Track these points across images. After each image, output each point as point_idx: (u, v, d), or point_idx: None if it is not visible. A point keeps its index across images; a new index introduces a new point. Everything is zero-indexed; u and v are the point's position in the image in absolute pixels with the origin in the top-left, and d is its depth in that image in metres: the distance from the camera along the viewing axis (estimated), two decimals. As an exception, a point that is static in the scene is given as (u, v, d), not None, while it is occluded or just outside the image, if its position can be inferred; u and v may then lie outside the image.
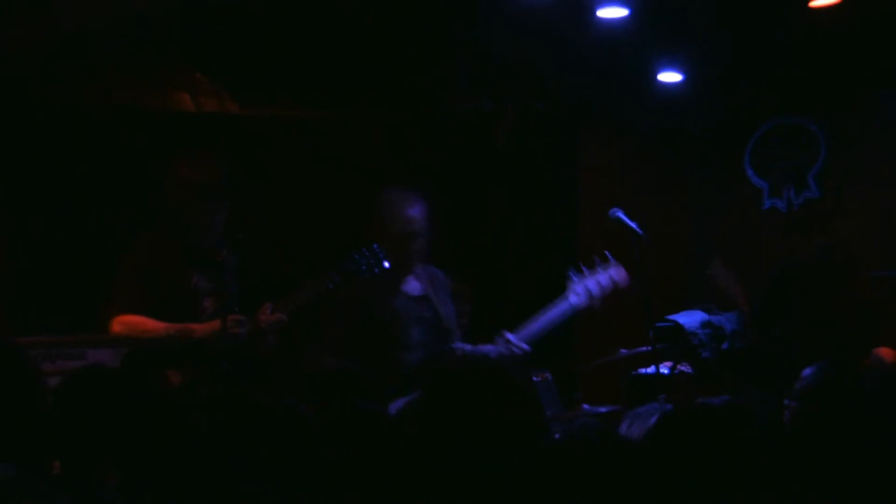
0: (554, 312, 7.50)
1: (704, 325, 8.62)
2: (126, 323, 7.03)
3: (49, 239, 8.78)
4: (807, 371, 5.56)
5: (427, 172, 9.14)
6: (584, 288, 7.54)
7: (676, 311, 9.03)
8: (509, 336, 7.42)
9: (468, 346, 7.62)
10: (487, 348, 7.52)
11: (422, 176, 8.27)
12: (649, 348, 8.15)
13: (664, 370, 8.25)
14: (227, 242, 7.22)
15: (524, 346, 7.42)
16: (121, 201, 8.68)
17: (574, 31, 8.80)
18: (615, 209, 7.72)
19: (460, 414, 4.22)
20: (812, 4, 8.67)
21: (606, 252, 7.64)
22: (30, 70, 8.54)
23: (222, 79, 9.44)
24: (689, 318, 8.71)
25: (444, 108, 9.90)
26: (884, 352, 7.88)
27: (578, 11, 8.51)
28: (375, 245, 7.24)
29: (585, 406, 8.07)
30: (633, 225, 7.60)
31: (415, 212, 7.45)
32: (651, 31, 8.82)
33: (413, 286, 7.59)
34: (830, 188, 9.69)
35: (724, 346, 8.61)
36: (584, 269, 7.59)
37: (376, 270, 7.22)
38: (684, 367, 8.35)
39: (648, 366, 8.41)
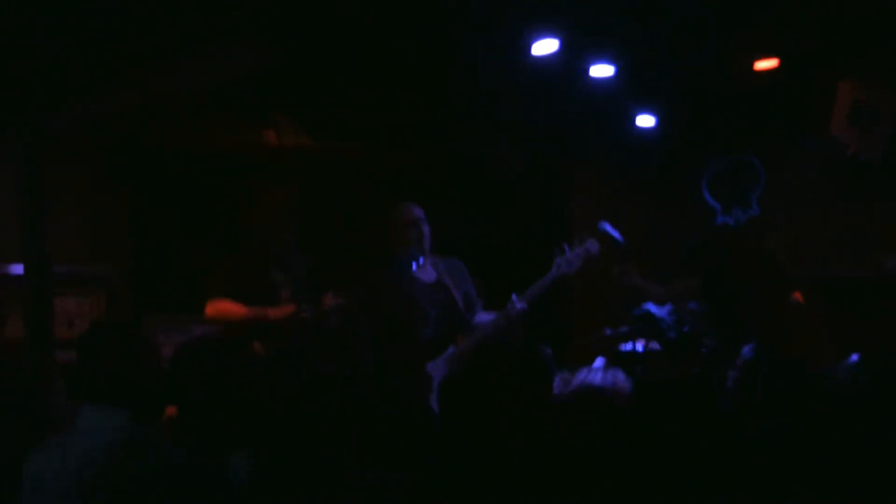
0: (542, 281, 7.54)
1: (670, 312, 8.61)
2: (216, 307, 7.20)
3: (169, 244, 8.98)
4: (745, 349, 5.64)
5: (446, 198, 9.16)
6: (563, 260, 7.58)
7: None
8: (514, 298, 7.48)
9: (488, 315, 7.69)
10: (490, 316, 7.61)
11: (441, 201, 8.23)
12: (627, 329, 8.29)
13: (639, 347, 8.29)
14: (298, 246, 7.40)
15: (522, 304, 7.44)
16: (222, 216, 8.79)
17: (570, 85, 8.83)
18: (603, 222, 7.80)
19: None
20: (756, 67, 8.78)
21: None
22: (155, 120, 8.72)
23: (299, 118, 9.54)
24: (658, 307, 8.69)
25: (462, 151, 9.95)
26: (797, 295, 7.87)
27: (574, 70, 8.56)
28: (413, 247, 7.33)
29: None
30: (616, 235, 7.70)
31: (411, 209, 7.59)
32: (631, 85, 8.87)
33: (428, 275, 7.64)
34: (766, 207, 9.71)
35: (685, 329, 8.61)
36: (566, 248, 7.64)
37: (414, 266, 7.30)
38: (654, 345, 8.33)
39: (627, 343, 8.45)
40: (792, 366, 5.31)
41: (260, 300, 7.21)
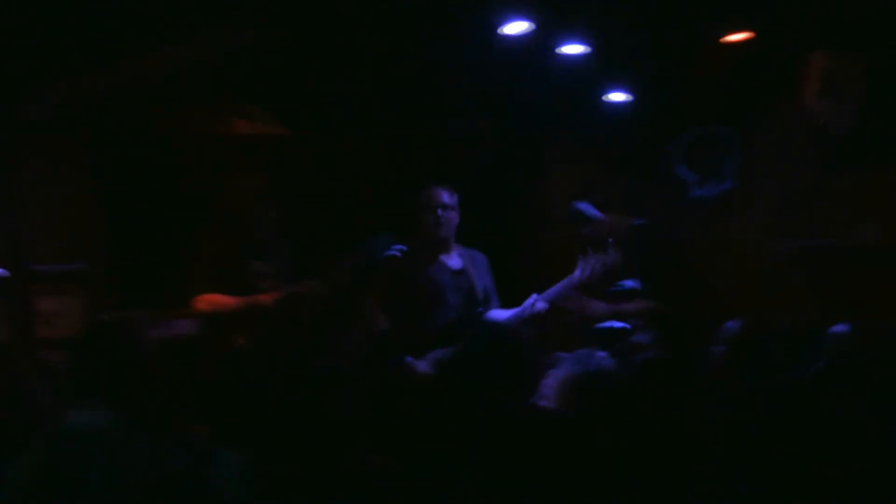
0: (566, 282, 7.55)
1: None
2: (208, 300, 7.16)
3: (145, 237, 8.92)
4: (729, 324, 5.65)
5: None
6: (587, 264, 7.58)
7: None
8: (535, 297, 7.53)
9: (504, 311, 7.72)
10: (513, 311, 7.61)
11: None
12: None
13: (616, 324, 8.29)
14: (277, 235, 7.38)
15: (542, 304, 7.49)
16: (196, 207, 8.74)
17: (541, 64, 8.82)
18: (578, 202, 7.81)
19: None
20: (729, 40, 8.81)
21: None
22: (131, 106, 8.67)
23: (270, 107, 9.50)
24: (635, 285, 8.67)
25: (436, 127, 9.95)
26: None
27: (546, 48, 8.55)
28: (388, 234, 7.32)
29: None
30: (595, 213, 7.71)
31: (438, 194, 7.64)
32: (601, 63, 8.88)
33: (454, 262, 7.67)
34: (741, 179, 9.74)
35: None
36: (588, 252, 7.65)
37: (388, 253, 7.29)
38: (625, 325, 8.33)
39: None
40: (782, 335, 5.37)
41: (242, 291, 7.19)
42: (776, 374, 5.24)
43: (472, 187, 10.04)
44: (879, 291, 9.00)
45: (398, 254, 7.32)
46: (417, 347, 7.31)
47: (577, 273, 7.59)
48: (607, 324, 8.34)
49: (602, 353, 5.32)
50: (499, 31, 8.26)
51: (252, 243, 7.38)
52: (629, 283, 8.45)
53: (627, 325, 8.28)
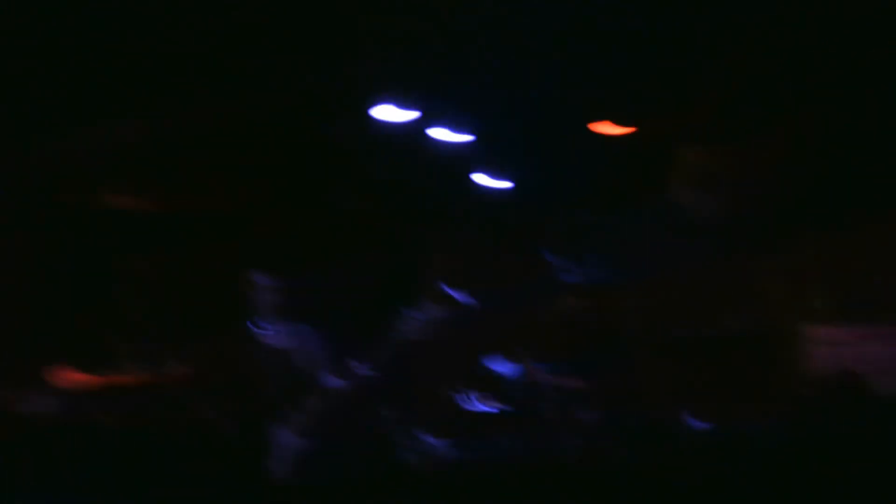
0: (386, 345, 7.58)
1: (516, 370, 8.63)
2: (66, 376, 7.13)
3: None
4: None
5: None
6: (407, 324, 7.62)
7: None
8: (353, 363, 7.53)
9: None
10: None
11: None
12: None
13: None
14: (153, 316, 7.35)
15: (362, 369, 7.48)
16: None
17: (424, 149, 8.94)
18: (446, 286, 7.87)
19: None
20: (600, 132, 9.00)
21: None
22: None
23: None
24: (504, 365, 8.69)
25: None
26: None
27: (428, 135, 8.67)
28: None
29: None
30: (463, 298, 7.78)
31: (257, 277, 7.67)
32: (478, 151, 9.01)
33: (279, 339, 7.65)
34: (610, 269, 9.84)
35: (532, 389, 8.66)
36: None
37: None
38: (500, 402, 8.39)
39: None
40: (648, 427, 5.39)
41: (106, 369, 7.15)
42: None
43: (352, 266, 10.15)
44: (742, 383, 9.17)
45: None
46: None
47: (398, 333, 7.62)
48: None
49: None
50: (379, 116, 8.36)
51: (124, 322, 7.34)
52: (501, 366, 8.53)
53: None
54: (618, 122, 8.99)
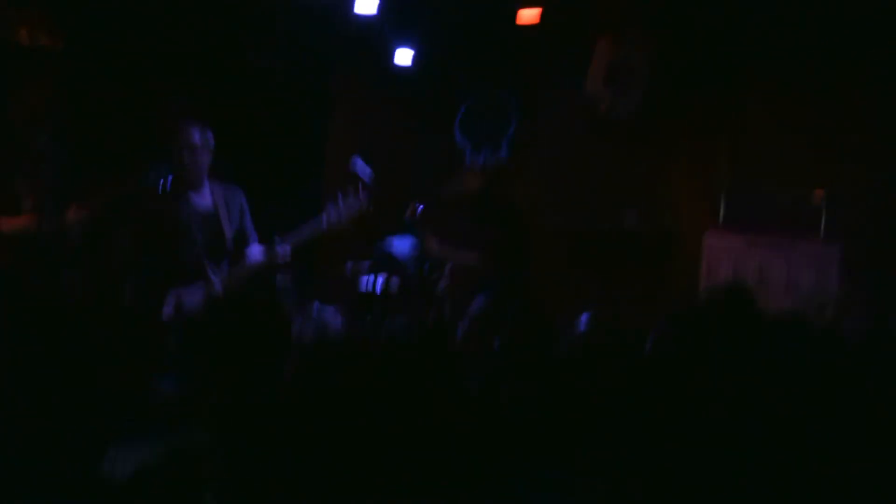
0: (309, 226, 7.55)
1: (412, 248, 8.65)
2: None
3: None
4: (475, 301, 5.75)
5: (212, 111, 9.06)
6: (335, 210, 7.59)
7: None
8: (278, 240, 7.44)
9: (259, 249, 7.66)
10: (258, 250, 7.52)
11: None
12: (368, 263, 8.36)
13: (378, 285, 8.35)
14: (50, 153, 7.20)
15: (287, 251, 7.48)
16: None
17: (336, 13, 8.85)
18: (356, 157, 7.82)
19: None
20: (519, 22, 8.94)
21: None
22: None
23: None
24: (400, 243, 8.72)
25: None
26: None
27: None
28: (162, 165, 7.22)
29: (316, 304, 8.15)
30: (366, 171, 7.72)
31: (190, 133, 7.35)
32: (393, 23, 8.94)
33: (204, 200, 7.49)
34: (517, 152, 9.88)
35: (425, 266, 8.70)
36: (338, 197, 7.67)
37: (161, 183, 7.16)
38: (394, 280, 8.41)
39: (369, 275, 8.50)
40: (532, 320, 5.39)
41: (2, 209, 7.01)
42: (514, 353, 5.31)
43: (261, 122, 10.09)
44: (633, 276, 9.29)
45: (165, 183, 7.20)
46: (162, 283, 7.26)
47: (323, 216, 7.58)
48: (368, 279, 8.43)
49: (330, 309, 5.30)
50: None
51: (21, 161, 7.18)
52: (398, 243, 8.54)
53: (394, 281, 8.36)
54: (533, 4, 8.93)
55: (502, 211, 8.43)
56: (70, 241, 7.09)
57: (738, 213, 9.03)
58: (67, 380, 4.25)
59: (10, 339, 4.33)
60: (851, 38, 8.56)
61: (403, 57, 9.55)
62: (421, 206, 7.91)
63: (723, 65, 9.07)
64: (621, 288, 9.16)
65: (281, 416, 4.14)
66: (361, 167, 7.78)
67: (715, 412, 4.42)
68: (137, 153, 7.81)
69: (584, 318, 5.26)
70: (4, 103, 7.38)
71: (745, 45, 8.97)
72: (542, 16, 8.95)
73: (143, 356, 4.76)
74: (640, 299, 8.90)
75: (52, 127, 7.32)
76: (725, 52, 9.02)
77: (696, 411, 4.44)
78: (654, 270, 9.26)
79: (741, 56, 9.03)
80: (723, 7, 8.72)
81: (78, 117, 8.47)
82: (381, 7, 8.64)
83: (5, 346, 4.29)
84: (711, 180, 9.19)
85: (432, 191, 8.68)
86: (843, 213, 8.72)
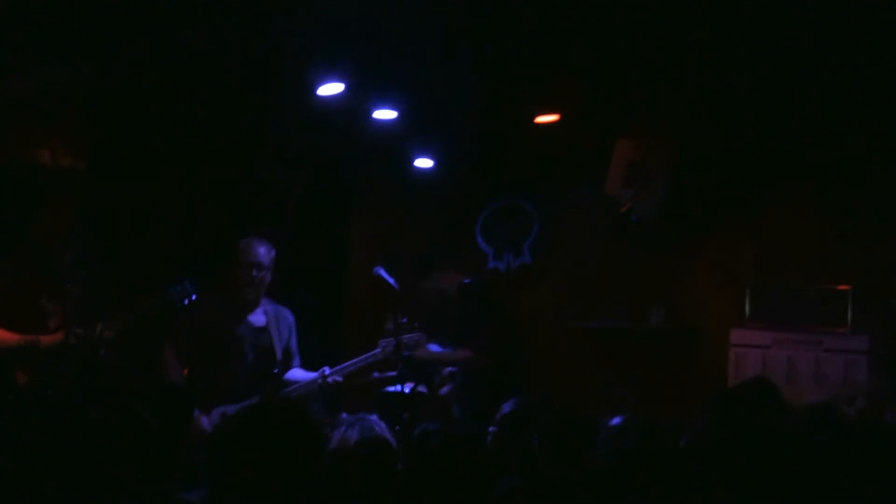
0: (363, 358, 7.61)
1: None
2: None
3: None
4: (506, 405, 5.71)
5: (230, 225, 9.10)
6: (387, 343, 7.63)
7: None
8: (326, 369, 7.56)
9: (304, 374, 7.74)
10: (311, 376, 7.62)
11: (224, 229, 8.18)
12: (395, 373, 8.33)
13: (406, 389, 8.33)
14: (73, 272, 7.23)
15: (338, 378, 7.53)
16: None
17: (354, 125, 8.89)
18: (378, 267, 7.83)
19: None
20: (536, 121, 8.95)
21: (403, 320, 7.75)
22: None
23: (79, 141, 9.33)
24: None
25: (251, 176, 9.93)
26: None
27: (358, 111, 8.62)
28: (188, 282, 7.26)
29: (344, 414, 8.12)
30: (390, 281, 7.73)
31: (255, 251, 7.50)
32: (412, 129, 8.97)
33: (258, 318, 7.60)
34: (539, 256, 9.88)
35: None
36: (391, 328, 7.72)
37: (186, 301, 7.20)
38: (422, 388, 8.38)
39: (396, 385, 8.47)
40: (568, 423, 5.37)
41: (27, 327, 7.04)
42: (545, 459, 5.30)
43: (284, 240, 10.11)
44: (664, 376, 9.23)
45: (190, 300, 7.24)
46: (210, 400, 7.29)
47: (377, 351, 7.67)
48: (397, 388, 8.40)
49: (373, 417, 5.33)
50: (315, 91, 8.27)
51: (45, 281, 7.23)
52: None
53: (421, 389, 8.34)
54: (550, 109, 8.95)
55: (487, 305, 8.51)
56: (97, 358, 7.11)
57: (765, 308, 8.98)
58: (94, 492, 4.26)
59: (38, 456, 4.34)
60: (875, 132, 8.56)
61: (423, 162, 9.57)
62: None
63: (744, 161, 9.08)
64: (649, 386, 9.13)
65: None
66: (385, 275, 7.79)
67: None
68: (161, 270, 7.83)
69: (617, 420, 5.23)
70: (29, 223, 7.43)
71: (767, 142, 8.98)
72: (561, 119, 8.94)
73: (168, 470, 4.75)
74: (669, 397, 8.85)
75: (76, 245, 7.36)
76: (747, 149, 9.03)
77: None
78: (681, 367, 9.20)
79: (763, 152, 9.03)
80: (743, 106, 8.71)
81: (102, 236, 8.51)
82: (399, 113, 8.63)
83: (32, 462, 4.29)
84: (736, 276, 9.16)
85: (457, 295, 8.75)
86: (869, 305, 8.68)
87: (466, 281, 9.02)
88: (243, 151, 9.72)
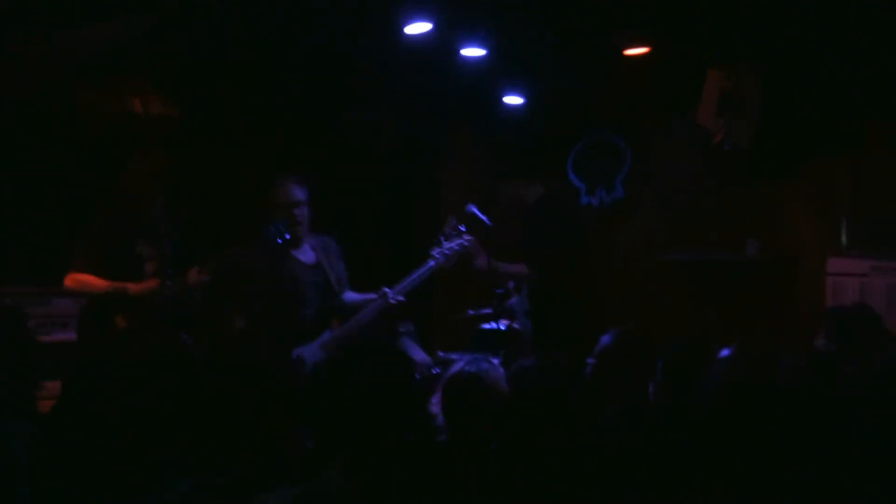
0: (420, 271, 7.57)
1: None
2: (77, 279, 7.14)
3: (27, 210, 8.73)
4: (605, 337, 5.68)
5: (321, 167, 9.12)
6: (440, 252, 7.62)
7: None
8: (387, 290, 7.49)
9: (356, 295, 7.71)
10: (370, 296, 7.57)
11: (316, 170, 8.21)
12: (489, 310, 8.34)
13: (502, 326, 8.33)
14: (167, 218, 7.31)
15: (400, 297, 7.51)
16: (88, 183, 8.58)
17: (443, 63, 8.85)
18: (470, 205, 7.82)
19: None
20: (626, 53, 8.86)
21: (457, 224, 7.73)
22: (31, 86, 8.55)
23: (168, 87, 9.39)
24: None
25: (337, 118, 9.95)
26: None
27: (448, 49, 8.59)
28: (280, 222, 7.28)
29: (440, 352, 8.15)
30: (483, 218, 7.72)
31: (292, 190, 7.49)
32: (501, 66, 8.92)
33: (308, 256, 7.62)
34: (632, 190, 9.83)
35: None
36: (442, 238, 7.66)
37: (280, 241, 7.22)
38: (516, 324, 8.37)
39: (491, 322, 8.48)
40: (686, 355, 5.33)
41: (125, 273, 7.13)
42: (651, 396, 5.27)
43: (372, 177, 10.15)
44: (761, 306, 9.16)
45: (284, 240, 7.25)
46: (279, 345, 7.33)
47: (431, 262, 7.62)
48: (492, 325, 8.40)
49: (496, 360, 5.32)
50: (403, 30, 8.25)
51: (141, 227, 7.30)
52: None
53: (516, 325, 8.33)
54: (640, 42, 8.85)
55: (560, 222, 8.48)
56: (192, 305, 7.17)
57: (862, 236, 8.87)
58: (208, 430, 4.30)
59: (147, 395, 4.39)
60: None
61: (513, 100, 9.50)
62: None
63: (839, 86, 8.92)
64: (745, 317, 9.05)
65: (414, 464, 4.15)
66: (477, 212, 7.78)
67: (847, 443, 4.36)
68: (251, 216, 7.88)
69: (725, 352, 5.18)
70: (123, 171, 7.49)
71: (861, 65, 8.81)
72: (651, 52, 8.84)
73: (279, 409, 4.79)
74: (766, 328, 8.79)
75: (167, 194, 7.43)
76: (841, 73, 8.87)
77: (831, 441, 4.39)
78: (778, 298, 9.12)
79: (858, 76, 8.86)
80: (835, 29, 8.56)
81: (192, 183, 8.59)
82: (488, 51, 8.57)
83: (144, 403, 4.34)
84: (833, 204, 9.03)
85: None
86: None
87: (546, 195, 9.00)
88: (334, 93, 9.70)
